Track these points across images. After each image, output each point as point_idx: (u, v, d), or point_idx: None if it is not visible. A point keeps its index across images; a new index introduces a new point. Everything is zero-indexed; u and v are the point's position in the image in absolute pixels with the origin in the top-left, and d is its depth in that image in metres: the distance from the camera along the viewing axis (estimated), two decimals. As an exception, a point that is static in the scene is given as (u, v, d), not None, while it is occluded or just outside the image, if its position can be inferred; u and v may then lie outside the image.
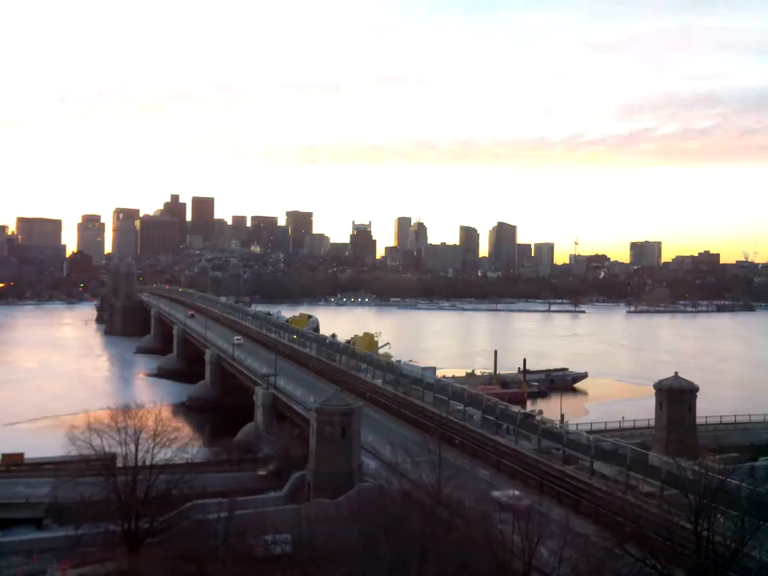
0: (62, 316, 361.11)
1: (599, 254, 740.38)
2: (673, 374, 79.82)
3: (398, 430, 77.80)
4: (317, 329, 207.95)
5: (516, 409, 74.40)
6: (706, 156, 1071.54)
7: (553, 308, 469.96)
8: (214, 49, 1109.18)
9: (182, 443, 60.28)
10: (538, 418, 70.12)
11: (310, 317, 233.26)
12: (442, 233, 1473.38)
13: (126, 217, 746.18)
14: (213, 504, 54.39)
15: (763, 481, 53.21)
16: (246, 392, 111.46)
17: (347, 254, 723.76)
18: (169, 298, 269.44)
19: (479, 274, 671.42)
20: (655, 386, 79.40)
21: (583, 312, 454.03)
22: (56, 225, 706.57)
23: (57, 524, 61.36)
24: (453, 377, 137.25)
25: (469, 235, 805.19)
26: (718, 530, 37.49)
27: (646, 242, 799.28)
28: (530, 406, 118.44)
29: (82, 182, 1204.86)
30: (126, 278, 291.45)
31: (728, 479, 39.89)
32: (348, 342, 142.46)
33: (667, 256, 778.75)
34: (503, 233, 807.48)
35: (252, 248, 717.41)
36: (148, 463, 54.84)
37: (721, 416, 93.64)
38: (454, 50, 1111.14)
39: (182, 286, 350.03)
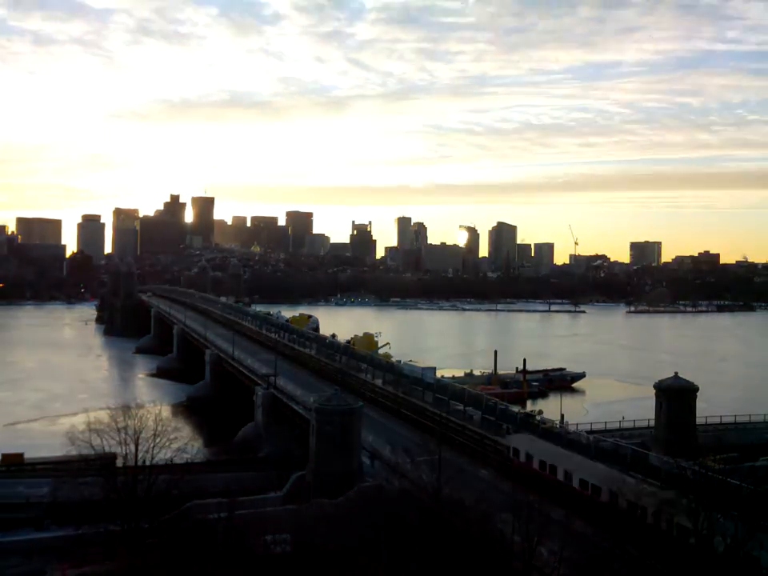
0: (61, 316, 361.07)
1: (599, 254, 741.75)
2: (673, 374, 79.82)
3: (398, 430, 77.76)
4: (317, 329, 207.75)
5: (516, 409, 74.29)
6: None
7: (553, 308, 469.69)
8: (215, 50, 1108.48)
9: (181, 443, 60.41)
10: (538, 418, 70.00)
11: (309, 317, 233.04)
12: (442, 233, 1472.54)
13: (126, 217, 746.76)
14: (213, 504, 54.47)
15: (763, 481, 53.11)
16: (246, 392, 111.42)
17: (347, 254, 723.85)
18: (169, 298, 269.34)
19: (479, 274, 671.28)
20: (655, 386, 79.39)
21: (583, 312, 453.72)
22: (56, 225, 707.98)
23: (57, 524, 61.40)
24: (452, 377, 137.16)
25: (469, 235, 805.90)
26: (718, 530, 37.48)
27: (646, 242, 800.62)
28: (529, 406, 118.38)
29: (82, 182, 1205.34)
30: (125, 278, 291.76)
31: (728, 479, 39.85)
32: (348, 342, 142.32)
33: (667, 256, 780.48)
34: (503, 233, 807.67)
35: (252, 248, 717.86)
36: (148, 463, 54.92)
37: (721, 416, 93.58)
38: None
39: (182, 286, 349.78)
